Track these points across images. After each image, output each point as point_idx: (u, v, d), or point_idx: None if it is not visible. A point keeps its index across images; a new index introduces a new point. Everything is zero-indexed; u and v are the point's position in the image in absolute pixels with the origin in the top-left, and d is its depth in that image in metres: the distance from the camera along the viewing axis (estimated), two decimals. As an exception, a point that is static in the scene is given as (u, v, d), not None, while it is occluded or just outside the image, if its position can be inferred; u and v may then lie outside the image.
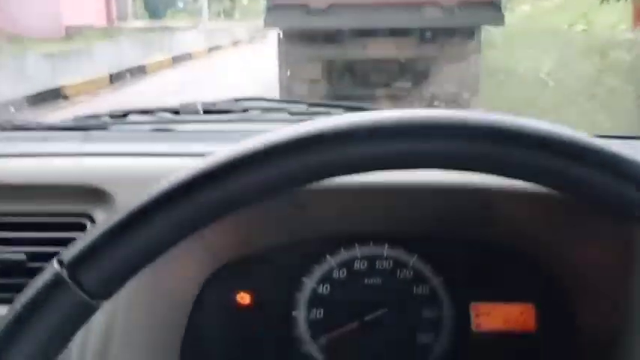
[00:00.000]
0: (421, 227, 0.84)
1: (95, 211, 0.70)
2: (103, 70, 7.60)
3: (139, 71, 8.26)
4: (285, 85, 5.27)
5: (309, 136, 0.37)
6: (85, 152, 0.78)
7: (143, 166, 0.74)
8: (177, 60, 9.58)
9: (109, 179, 0.71)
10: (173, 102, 1.18)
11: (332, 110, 1.13)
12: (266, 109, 1.14)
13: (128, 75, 7.89)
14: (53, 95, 6.29)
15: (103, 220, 0.34)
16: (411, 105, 5.13)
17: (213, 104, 1.14)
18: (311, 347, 0.84)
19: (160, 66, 8.86)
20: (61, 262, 0.34)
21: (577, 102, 4.76)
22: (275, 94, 5.17)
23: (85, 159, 0.76)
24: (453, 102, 4.89)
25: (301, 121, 1.21)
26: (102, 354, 0.65)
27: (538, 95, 4.92)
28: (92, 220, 0.70)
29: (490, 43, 5.64)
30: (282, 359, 0.84)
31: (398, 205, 0.81)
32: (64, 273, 0.33)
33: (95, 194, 0.70)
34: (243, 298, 0.84)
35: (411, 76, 5.29)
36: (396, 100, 5.34)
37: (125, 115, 1.12)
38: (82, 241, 0.35)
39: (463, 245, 0.86)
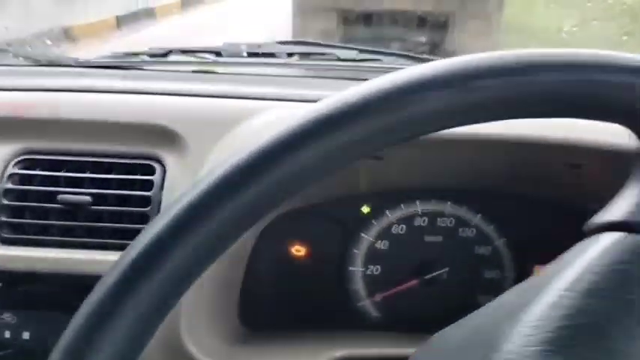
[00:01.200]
0: (487, 184, 0.80)
1: (164, 153, 0.66)
2: (110, 12, 7.40)
3: (147, 15, 8.06)
4: (298, 34, 5.13)
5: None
6: (144, 90, 0.72)
7: (211, 106, 0.69)
8: (186, 4, 9.37)
9: (177, 119, 0.66)
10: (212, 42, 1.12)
11: (383, 57, 1.07)
12: (312, 53, 1.08)
13: (135, 19, 7.69)
14: (61, 36, 6.14)
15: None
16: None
17: (258, 46, 1.08)
18: (366, 304, 0.81)
19: (170, 11, 8.65)
20: None
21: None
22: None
23: (147, 97, 0.71)
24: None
25: (351, 69, 1.14)
26: None
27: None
28: (161, 164, 0.65)
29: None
30: (337, 314, 0.81)
31: (465, 158, 0.76)
32: None
33: (163, 135, 0.65)
34: (299, 250, 0.81)
35: (427, 30, 5.14)
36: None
37: (166, 54, 1.06)
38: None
39: (528, 205, 0.82)
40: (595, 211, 0.42)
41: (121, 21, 7.45)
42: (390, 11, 5.07)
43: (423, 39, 5.21)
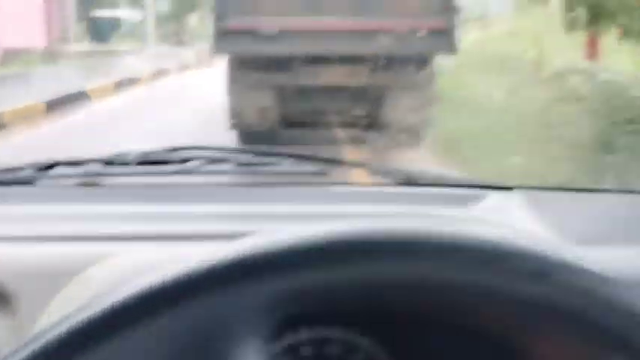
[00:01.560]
0: (377, 306, 0.74)
1: None
2: (40, 97, 7.23)
3: (78, 98, 7.90)
4: (235, 113, 5.11)
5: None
6: None
7: (49, 255, 0.62)
8: (120, 86, 9.29)
9: (12, 275, 0.59)
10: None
11: (280, 160, 1.04)
12: (209, 159, 1.04)
13: (66, 102, 7.53)
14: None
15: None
16: (365, 134, 5.09)
17: (148, 154, 1.03)
18: None
19: (102, 92, 8.55)
20: None
21: (532, 131, 4.79)
22: (224, 121, 5.04)
23: None
24: (406, 131, 4.86)
25: (249, 173, 1.10)
26: None
27: (491, 124, 4.91)
28: None
29: (441, 70, 5.64)
30: None
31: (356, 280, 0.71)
32: None
33: None
34: None
35: (364, 104, 5.22)
36: (349, 127, 5.28)
37: (51, 166, 1.01)
38: None
39: (424, 329, 0.76)
40: None
41: (51, 105, 7.25)
42: (326, 86, 5.13)
43: (361, 112, 5.27)
